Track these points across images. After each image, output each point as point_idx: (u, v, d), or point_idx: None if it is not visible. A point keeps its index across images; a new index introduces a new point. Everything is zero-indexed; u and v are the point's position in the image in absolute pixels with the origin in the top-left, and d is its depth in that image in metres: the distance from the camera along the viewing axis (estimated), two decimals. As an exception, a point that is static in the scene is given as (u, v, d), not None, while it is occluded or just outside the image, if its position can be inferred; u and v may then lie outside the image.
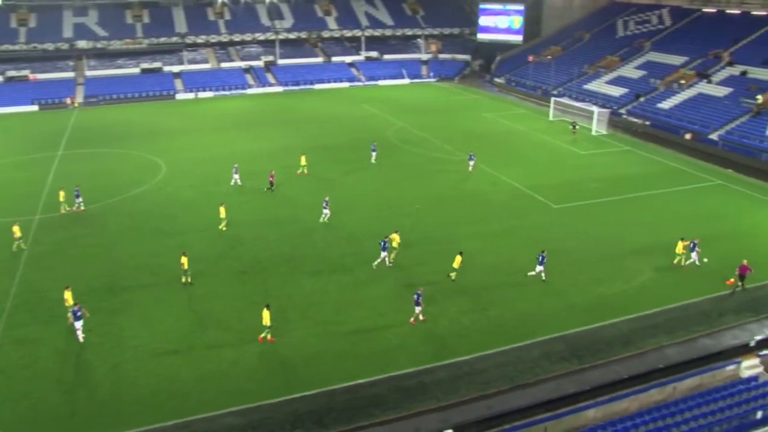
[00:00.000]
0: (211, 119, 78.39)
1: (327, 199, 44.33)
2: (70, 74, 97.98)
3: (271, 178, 50.53)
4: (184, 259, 35.37)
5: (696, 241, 37.17)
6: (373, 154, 57.63)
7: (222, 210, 42.65)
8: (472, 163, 54.81)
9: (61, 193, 46.25)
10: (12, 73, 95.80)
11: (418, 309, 31.18)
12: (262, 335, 29.95)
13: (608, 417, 25.27)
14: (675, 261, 37.41)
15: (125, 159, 60.41)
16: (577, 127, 68.38)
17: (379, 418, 24.76)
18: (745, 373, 28.30)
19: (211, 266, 37.36)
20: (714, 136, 63.02)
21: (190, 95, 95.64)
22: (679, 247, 37.29)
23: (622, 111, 74.83)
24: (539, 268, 35.40)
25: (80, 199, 46.80)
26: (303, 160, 54.80)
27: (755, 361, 28.75)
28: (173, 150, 62.98)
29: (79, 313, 29.50)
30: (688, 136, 64.80)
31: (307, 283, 35.20)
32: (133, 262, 37.76)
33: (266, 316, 29.59)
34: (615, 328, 30.80)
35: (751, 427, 23.16)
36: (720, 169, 56.01)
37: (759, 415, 24.21)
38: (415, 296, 31.09)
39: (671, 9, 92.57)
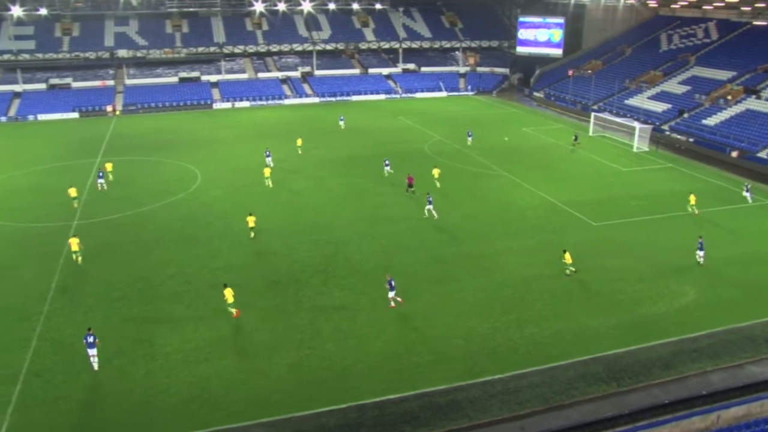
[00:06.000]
0: (248, 129, 78.93)
1: (430, 197, 47.00)
2: (110, 82, 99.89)
3: (410, 181, 51.68)
4: (250, 218, 42.31)
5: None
6: (387, 168, 57.23)
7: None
8: (470, 138, 67.13)
9: (72, 190, 49.56)
10: (55, 80, 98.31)
11: (392, 294, 33.04)
12: (231, 310, 32.30)
13: (648, 443, 24.41)
14: (689, 209, 46.56)
15: (162, 167, 61.05)
16: (577, 140, 68.62)
17: (410, 435, 24.16)
18: (795, 403, 27.11)
19: (243, 276, 37.29)
20: (763, 154, 61.02)
21: (227, 105, 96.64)
22: (692, 199, 46.88)
23: (665, 127, 73.28)
24: (700, 253, 37.60)
25: (102, 180, 52.41)
26: (299, 142, 65.41)
27: (806, 390, 27.56)
28: (209, 159, 63.47)
29: (90, 339, 28.04)
30: (734, 154, 63.03)
31: (338, 296, 34.84)
32: (166, 270, 37.86)
33: (229, 295, 32.06)
34: (655, 351, 29.66)
35: (801, 461, 21.99)
36: (769, 189, 54.20)
37: (809, 447, 23.07)
38: (391, 282, 33.09)
39: (718, 22, 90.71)
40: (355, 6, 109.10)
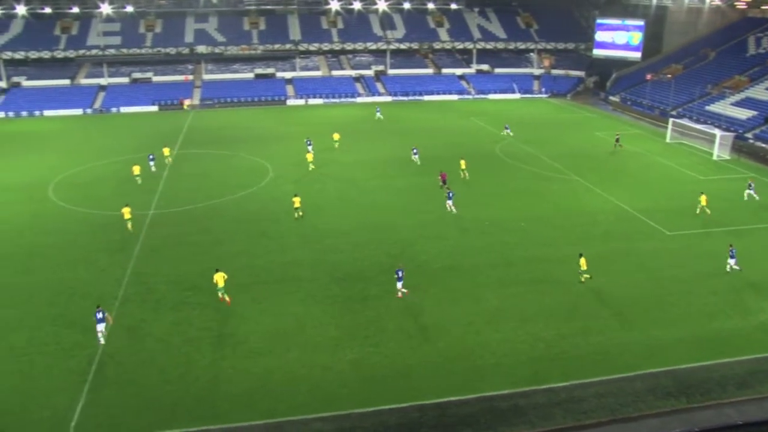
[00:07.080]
0: (320, 126, 79.74)
1: (451, 192, 47.71)
2: (190, 77, 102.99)
3: (443, 177, 52.68)
4: (296, 199, 45.20)
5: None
6: (415, 157, 61.35)
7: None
8: (508, 131, 71.15)
9: (136, 168, 53.84)
10: (137, 75, 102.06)
11: (399, 284, 34.00)
12: (220, 295, 33.43)
13: (718, 463, 23.51)
14: (698, 211, 46.18)
15: (234, 161, 62.57)
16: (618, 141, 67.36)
17: (470, 438, 23.97)
18: None
19: (310, 271, 37.81)
20: None
21: (301, 101, 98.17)
22: (703, 200, 46.01)
23: (749, 135, 70.17)
24: (731, 261, 36.80)
25: (152, 163, 56.49)
26: (336, 137, 67.28)
27: None
28: (282, 154, 64.63)
29: (100, 315, 29.81)
30: (823, 165, 59.86)
31: (397, 299, 34.89)
32: (236, 262, 38.65)
33: (220, 279, 33.27)
34: (729, 368, 28.43)
35: None
36: None
37: None
38: (399, 273, 34.11)
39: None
40: (430, 6, 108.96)
